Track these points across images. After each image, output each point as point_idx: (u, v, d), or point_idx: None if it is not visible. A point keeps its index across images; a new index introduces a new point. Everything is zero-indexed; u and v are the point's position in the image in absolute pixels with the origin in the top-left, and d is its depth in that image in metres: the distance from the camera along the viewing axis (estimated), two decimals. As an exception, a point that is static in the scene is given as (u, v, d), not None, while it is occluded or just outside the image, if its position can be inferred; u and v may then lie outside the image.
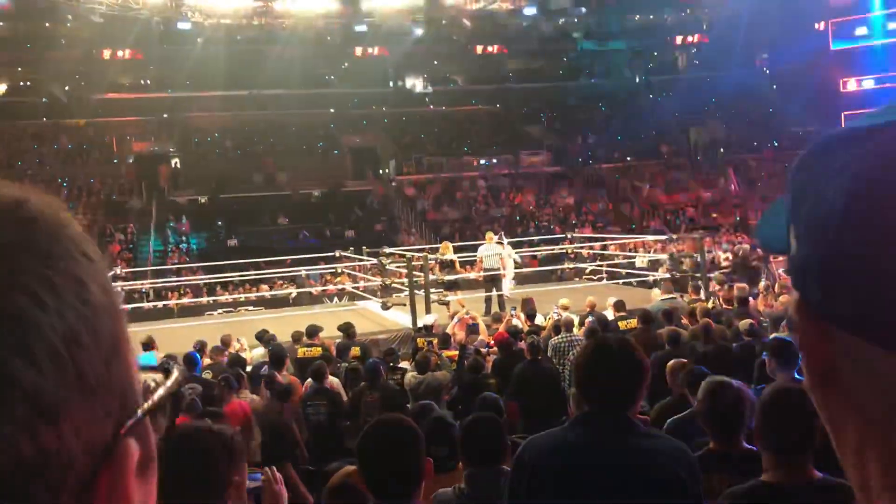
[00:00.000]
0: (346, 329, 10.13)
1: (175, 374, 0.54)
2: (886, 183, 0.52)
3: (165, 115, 36.59)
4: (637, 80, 44.79)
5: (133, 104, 36.62)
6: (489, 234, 14.59)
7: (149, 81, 39.03)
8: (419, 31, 40.49)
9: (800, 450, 2.44)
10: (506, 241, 15.16)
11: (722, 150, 38.23)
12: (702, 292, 12.51)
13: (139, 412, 0.48)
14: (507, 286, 14.17)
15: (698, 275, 13.36)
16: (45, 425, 0.42)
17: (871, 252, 0.51)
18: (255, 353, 10.00)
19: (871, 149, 0.54)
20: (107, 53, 36.34)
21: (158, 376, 0.53)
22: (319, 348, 9.57)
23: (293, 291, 18.59)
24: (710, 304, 11.13)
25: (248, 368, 9.01)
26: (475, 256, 14.43)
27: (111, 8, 33.82)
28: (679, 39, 45.05)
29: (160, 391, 0.51)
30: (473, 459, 3.31)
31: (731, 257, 17.92)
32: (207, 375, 8.17)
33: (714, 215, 32.19)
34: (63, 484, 0.43)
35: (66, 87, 36.64)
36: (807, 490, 2.34)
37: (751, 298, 10.95)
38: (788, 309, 0.57)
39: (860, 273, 0.51)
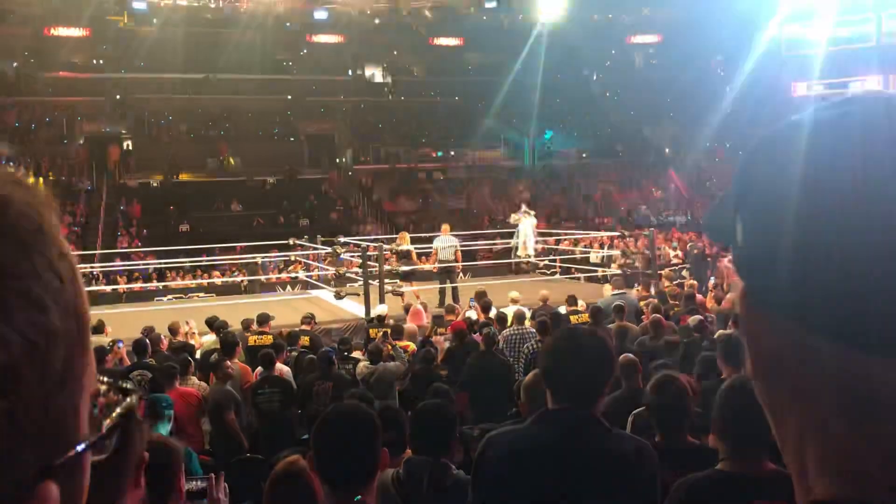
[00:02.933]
0: (310, 319, 10.19)
1: (129, 399, 0.50)
2: (829, 175, 0.54)
3: (118, 97, 35.81)
4: (594, 77, 45.15)
5: (85, 84, 35.75)
6: (445, 226, 14.61)
7: (102, 61, 38.14)
8: (379, 21, 40.26)
9: (756, 441, 2.48)
10: (532, 212, 17.49)
11: (674, 149, 38.80)
12: (652, 288, 12.70)
13: (71, 452, 0.44)
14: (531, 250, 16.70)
15: (649, 271, 13.57)
16: None
17: (815, 242, 0.53)
18: (206, 340, 9.88)
19: (815, 143, 0.56)
20: (59, 31, 35.41)
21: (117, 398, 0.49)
22: (270, 336, 9.49)
23: (245, 279, 18.39)
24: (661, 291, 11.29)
25: (198, 355, 8.90)
26: (431, 248, 14.45)
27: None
28: (636, 39, 45.55)
29: (106, 425, 0.47)
30: (417, 448, 3.30)
31: (681, 255, 18.22)
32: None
33: (666, 213, 32.68)
34: None
35: (15, 65, 35.63)
36: (762, 480, 2.38)
37: (699, 295, 11.16)
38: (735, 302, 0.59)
39: (804, 263, 0.53)
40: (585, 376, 2.33)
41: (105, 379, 0.51)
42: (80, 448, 0.45)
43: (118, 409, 0.48)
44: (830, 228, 0.52)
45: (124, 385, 0.50)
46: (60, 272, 0.44)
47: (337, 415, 2.43)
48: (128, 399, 0.50)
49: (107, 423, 0.48)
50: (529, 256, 16.79)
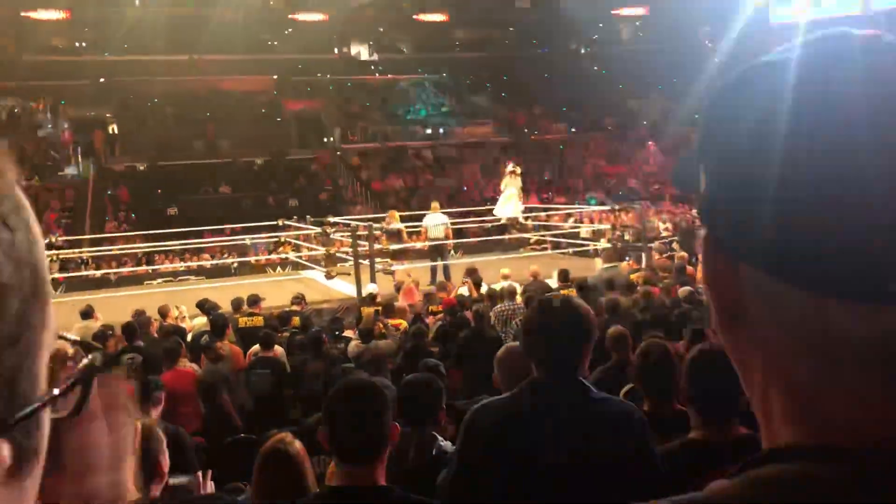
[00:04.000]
0: (300, 299, 10.21)
1: (85, 360, 0.48)
2: (791, 118, 0.52)
3: (102, 80, 35.45)
4: (582, 51, 44.96)
5: (67, 67, 35.36)
6: (434, 204, 14.58)
7: (84, 44, 37.70)
8: (364, -2, 39.91)
9: (726, 407, 2.50)
10: (518, 170, 16.81)
11: (662, 121, 38.76)
12: (643, 261, 12.73)
13: (18, 414, 0.42)
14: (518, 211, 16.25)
15: (639, 244, 13.59)
16: None
17: (778, 187, 0.51)
18: (197, 322, 9.86)
19: (778, 84, 0.54)
20: (39, 14, 34.94)
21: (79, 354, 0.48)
22: (261, 318, 9.47)
23: (235, 261, 18.33)
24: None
25: (189, 337, 8.89)
26: (421, 226, 14.42)
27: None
28: (623, 12, 45.31)
29: (66, 382, 0.46)
30: (404, 419, 3.31)
31: (671, 227, 18.26)
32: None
33: (656, 186, 32.69)
34: None
35: (-5, 49, 35.21)
36: (733, 446, 2.40)
37: (689, 267, 11.19)
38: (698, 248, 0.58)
39: (768, 208, 0.52)
40: (565, 343, 2.34)
41: (67, 336, 0.49)
42: (33, 406, 0.43)
43: (78, 367, 0.47)
44: (810, 175, 0.51)
45: (86, 342, 0.49)
46: (10, 223, 0.42)
47: (348, 389, 2.43)
48: (89, 356, 0.48)
49: (65, 382, 0.46)
50: (516, 221, 16.43)
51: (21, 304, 0.42)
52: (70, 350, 0.48)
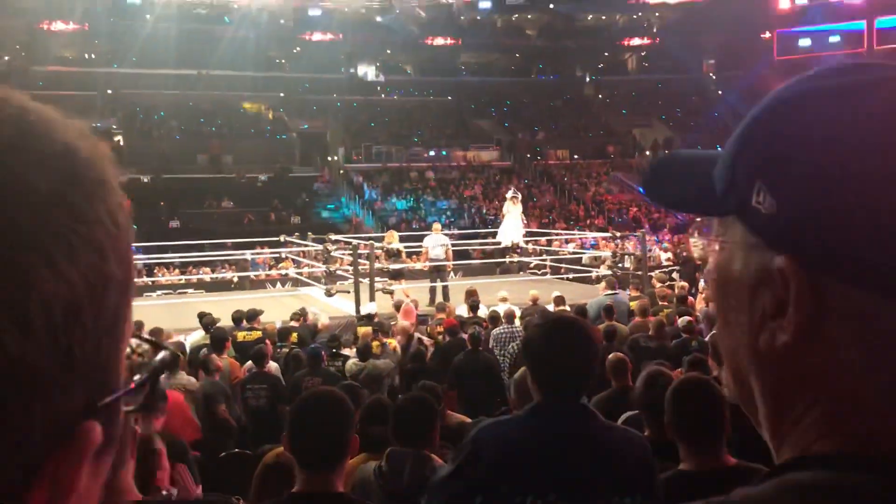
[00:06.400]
0: (301, 315, 10.19)
1: (162, 354, 0.51)
2: (881, 137, 0.55)
3: (110, 91, 35.66)
4: (587, 79, 45.28)
5: (76, 78, 35.57)
6: (436, 225, 14.60)
7: (94, 56, 37.96)
8: (373, 19, 40.24)
9: (712, 437, 2.49)
10: (518, 196, 16.91)
11: (666, 152, 38.94)
12: (644, 289, 12.73)
13: (115, 394, 0.46)
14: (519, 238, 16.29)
15: (640, 272, 13.60)
16: (18, 396, 0.39)
17: (878, 204, 0.53)
18: (196, 336, 9.84)
19: (860, 104, 0.56)
20: (51, 25, 35.22)
21: (149, 353, 0.51)
22: (259, 332, 9.46)
23: (235, 275, 18.33)
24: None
25: (188, 350, 8.88)
26: (422, 247, 14.43)
27: (57, -22, 32.79)
28: (629, 42, 45.69)
29: (144, 374, 0.49)
30: (399, 439, 3.30)
31: (671, 256, 18.27)
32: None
33: (657, 215, 32.75)
34: (9, 463, 0.40)
35: (7, 58, 35.43)
36: (722, 476, 2.37)
37: (689, 297, 11.19)
38: (771, 264, 0.58)
39: (869, 225, 0.54)
40: (568, 365, 2.30)
41: (141, 334, 0.52)
42: (121, 392, 0.46)
43: (151, 363, 0.50)
44: None
45: (157, 341, 0.52)
46: (119, 220, 0.46)
47: (311, 397, 2.55)
48: (161, 354, 0.51)
49: (137, 376, 0.49)
50: (517, 246, 16.60)
51: (118, 296, 0.45)
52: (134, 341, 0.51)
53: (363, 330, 9.64)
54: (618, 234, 17.66)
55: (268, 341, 8.58)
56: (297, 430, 2.40)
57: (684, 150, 0.72)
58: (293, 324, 10.08)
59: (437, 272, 13.66)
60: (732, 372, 0.66)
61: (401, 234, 15.57)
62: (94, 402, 0.44)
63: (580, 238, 21.02)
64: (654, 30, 44.63)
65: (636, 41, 45.52)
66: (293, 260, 17.81)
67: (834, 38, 34.95)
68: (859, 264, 0.54)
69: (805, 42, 36.21)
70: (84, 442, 0.43)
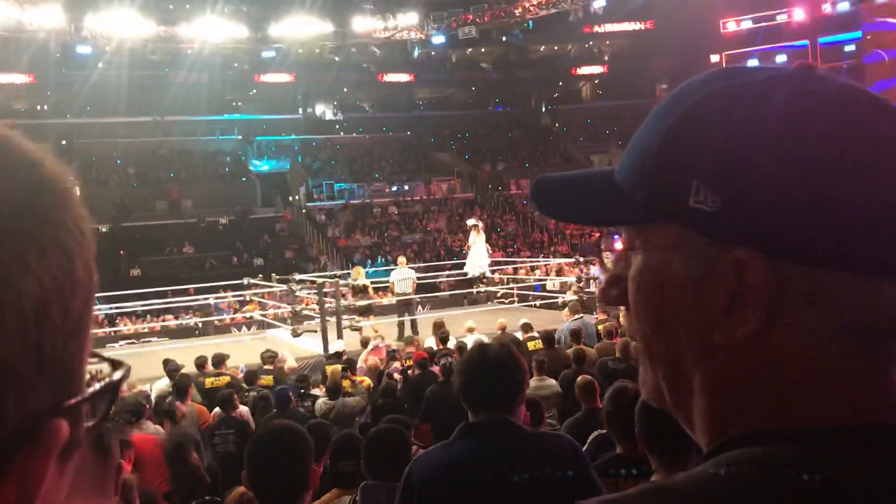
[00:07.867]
0: (272, 357, 10.04)
1: (122, 369, 0.52)
2: (817, 126, 0.57)
3: (64, 142, 35.26)
4: (543, 109, 45.89)
5: (29, 129, 34.73)
6: (401, 259, 14.58)
7: (46, 107, 37.58)
8: (328, 58, 40.45)
9: (680, 448, 2.49)
10: (480, 224, 17.01)
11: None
12: (610, 312, 12.79)
13: (81, 395, 0.46)
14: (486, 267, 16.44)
15: (605, 296, 13.68)
16: None
17: (836, 189, 0.56)
18: (161, 384, 9.65)
19: (778, 98, 0.59)
20: (3, 78, 34.84)
21: (106, 368, 0.51)
22: (227, 377, 9.32)
23: (199, 321, 18.07)
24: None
25: (153, 399, 8.70)
26: (388, 282, 14.39)
27: (3, 29, 32.45)
28: (582, 70, 46.46)
29: (105, 381, 0.49)
30: (372, 472, 3.27)
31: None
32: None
33: (616, 238, 33.08)
34: None
35: (-45, 112, 34.96)
36: None
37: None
38: (720, 260, 0.59)
39: (832, 208, 0.55)
40: (495, 384, 2.39)
41: (97, 352, 0.53)
42: (88, 393, 0.47)
43: (109, 377, 0.50)
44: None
45: (114, 358, 0.52)
46: (84, 229, 0.47)
47: (267, 433, 2.53)
48: (119, 370, 0.51)
49: (95, 386, 0.49)
50: (484, 274, 16.60)
51: (83, 302, 0.46)
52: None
53: (332, 368, 9.54)
54: (581, 259, 17.77)
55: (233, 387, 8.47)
56: (255, 467, 2.37)
57: (555, 174, 0.73)
58: (267, 367, 9.93)
59: (404, 306, 13.62)
60: (667, 374, 0.66)
61: (365, 270, 15.53)
62: (62, 401, 0.45)
63: (544, 265, 21.11)
64: (606, 58, 45.47)
65: (589, 69, 46.30)
66: (259, 302, 17.63)
67: (781, 58, 35.92)
68: (826, 247, 0.55)
69: (753, 62, 37.20)
70: (52, 439, 0.44)
